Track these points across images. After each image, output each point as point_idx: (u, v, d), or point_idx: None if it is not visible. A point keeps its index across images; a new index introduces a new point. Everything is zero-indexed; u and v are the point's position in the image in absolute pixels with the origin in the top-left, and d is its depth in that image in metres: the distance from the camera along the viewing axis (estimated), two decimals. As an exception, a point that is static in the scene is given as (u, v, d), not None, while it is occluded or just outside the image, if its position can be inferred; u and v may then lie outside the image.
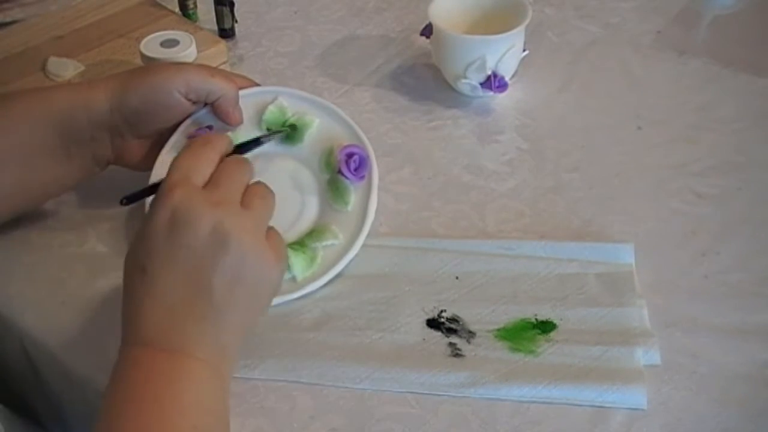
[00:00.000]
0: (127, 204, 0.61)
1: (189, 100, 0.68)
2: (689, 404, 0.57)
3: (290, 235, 0.67)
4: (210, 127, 0.70)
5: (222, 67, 0.85)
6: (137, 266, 0.53)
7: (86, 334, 0.64)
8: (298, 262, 0.65)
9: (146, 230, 0.53)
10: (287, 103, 0.72)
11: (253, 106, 0.72)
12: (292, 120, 0.72)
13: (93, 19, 0.93)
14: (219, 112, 0.69)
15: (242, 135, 0.70)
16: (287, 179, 0.71)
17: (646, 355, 0.60)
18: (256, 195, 0.56)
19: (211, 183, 0.55)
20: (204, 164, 0.55)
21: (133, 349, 0.52)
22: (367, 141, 0.70)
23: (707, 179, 0.74)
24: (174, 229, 0.52)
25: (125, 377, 0.51)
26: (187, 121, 0.70)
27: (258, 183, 0.57)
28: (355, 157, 0.69)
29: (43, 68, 0.86)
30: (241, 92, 0.70)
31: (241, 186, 0.56)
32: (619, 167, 0.76)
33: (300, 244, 0.66)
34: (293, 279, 0.65)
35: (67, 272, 0.69)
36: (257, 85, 0.73)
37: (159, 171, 0.70)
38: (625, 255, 0.66)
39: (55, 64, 0.86)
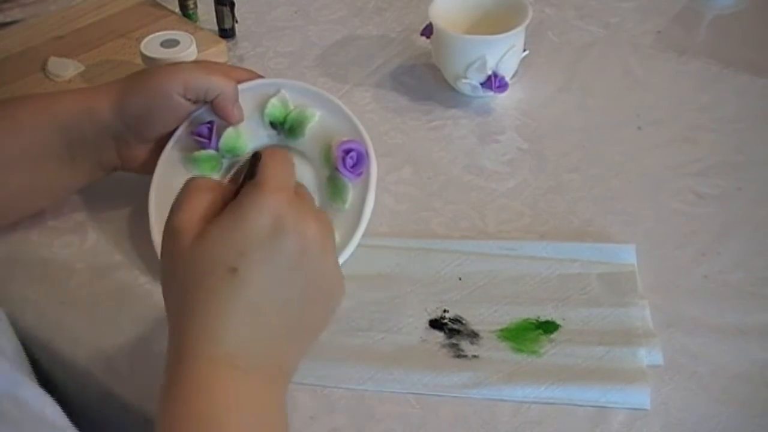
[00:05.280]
0: None
1: (188, 99, 0.68)
2: (689, 404, 0.57)
3: None
4: (211, 123, 0.70)
5: (222, 67, 0.85)
6: (224, 265, 0.48)
7: (87, 334, 0.64)
8: None
9: (240, 229, 0.48)
10: (289, 96, 0.71)
11: (255, 99, 0.71)
12: (293, 113, 0.71)
13: (93, 19, 0.94)
14: (218, 110, 0.69)
15: (245, 128, 0.70)
16: None
17: (648, 356, 0.60)
18: (325, 216, 0.54)
19: (299, 195, 0.52)
20: (292, 176, 0.53)
21: (205, 365, 0.48)
22: (367, 136, 0.69)
23: (707, 179, 0.74)
24: (277, 235, 0.49)
25: (195, 399, 0.47)
26: (190, 118, 0.70)
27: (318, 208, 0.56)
28: (353, 153, 0.67)
29: (43, 68, 0.86)
30: (242, 85, 0.70)
31: (315, 204, 0.55)
32: (619, 167, 0.76)
33: None
34: None
35: (67, 272, 0.69)
36: (260, 77, 0.73)
37: (163, 168, 0.70)
38: (627, 255, 0.66)
39: (55, 64, 0.86)
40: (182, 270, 0.49)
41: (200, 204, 0.50)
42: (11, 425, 0.44)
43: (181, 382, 0.48)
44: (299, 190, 0.52)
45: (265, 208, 0.49)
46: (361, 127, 0.69)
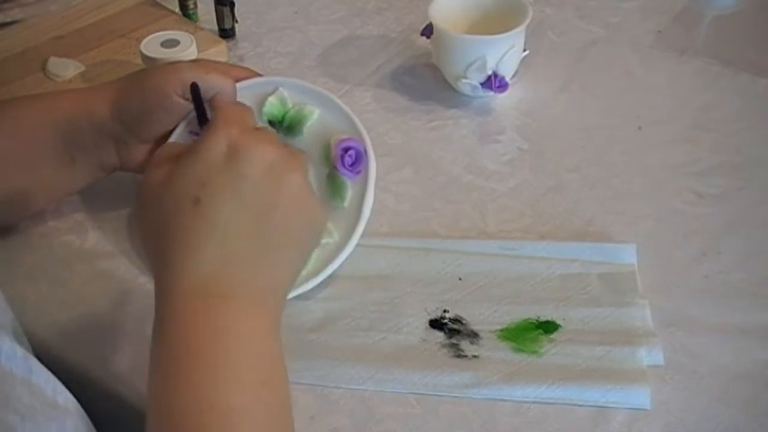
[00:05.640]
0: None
1: (187, 99, 0.68)
2: (690, 404, 0.57)
3: None
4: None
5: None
6: (187, 197, 0.50)
7: (87, 333, 0.64)
8: None
9: (198, 162, 0.51)
10: (287, 94, 0.71)
11: (254, 98, 0.71)
12: (292, 112, 0.71)
13: (93, 19, 0.94)
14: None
15: None
16: None
17: (649, 356, 0.60)
18: (294, 148, 0.56)
19: (259, 128, 0.55)
20: (249, 114, 0.56)
21: (186, 299, 0.49)
22: (366, 134, 0.68)
23: (707, 179, 0.74)
24: (233, 160, 0.50)
25: (181, 335, 0.48)
26: (188, 117, 0.70)
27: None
28: (351, 151, 0.67)
29: (44, 68, 0.86)
30: (241, 84, 0.70)
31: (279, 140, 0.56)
32: (620, 167, 0.76)
33: None
34: None
35: (67, 272, 0.69)
36: (259, 75, 0.72)
37: None
38: (627, 255, 0.66)
39: (55, 64, 0.86)
40: (152, 213, 0.51)
41: (168, 160, 0.53)
42: (28, 410, 0.44)
43: (164, 322, 0.49)
44: (261, 128, 0.55)
45: (219, 137, 0.51)
46: (360, 126, 0.69)
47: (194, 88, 0.60)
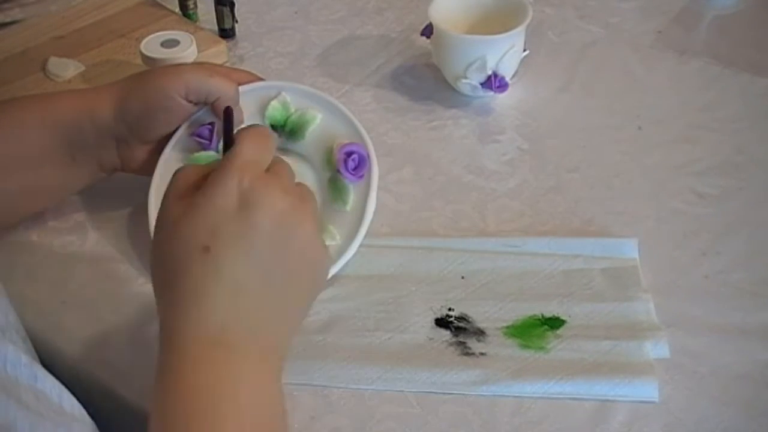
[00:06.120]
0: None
1: (189, 101, 0.68)
2: (690, 404, 0.57)
3: None
4: (212, 124, 0.70)
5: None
6: (197, 246, 0.49)
7: (87, 334, 0.64)
8: None
9: (208, 209, 0.49)
10: (290, 99, 0.71)
11: (256, 102, 0.71)
12: (294, 116, 0.71)
13: (93, 19, 0.94)
14: (219, 113, 0.69)
15: None
16: None
17: (654, 349, 0.60)
18: (305, 191, 0.54)
19: (272, 171, 0.52)
20: (267, 153, 0.53)
21: (191, 347, 0.48)
22: (368, 139, 0.69)
23: (707, 179, 0.74)
24: (244, 210, 0.49)
25: (187, 384, 0.47)
26: (191, 119, 0.70)
27: (300, 183, 0.55)
28: (354, 156, 0.68)
29: (44, 68, 0.86)
30: (243, 88, 0.70)
31: (294, 181, 0.54)
32: (620, 167, 0.76)
33: None
34: None
35: (67, 272, 0.69)
36: (261, 79, 0.72)
37: (163, 169, 0.70)
38: (629, 249, 0.67)
39: (55, 64, 0.86)
40: (163, 256, 0.50)
41: (185, 192, 0.51)
42: (35, 417, 0.44)
43: (170, 368, 0.48)
44: (276, 166, 0.53)
45: (230, 185, 0.49)
46: (363, 130, 0.70)
47: (227, 114, 0.57)
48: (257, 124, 0.58)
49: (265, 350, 0.50)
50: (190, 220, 0.49)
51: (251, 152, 0.52)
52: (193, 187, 0.51)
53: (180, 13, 0.94)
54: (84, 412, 0.49)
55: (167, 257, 0.50)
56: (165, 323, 0.50)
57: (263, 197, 0.49)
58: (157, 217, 0.52)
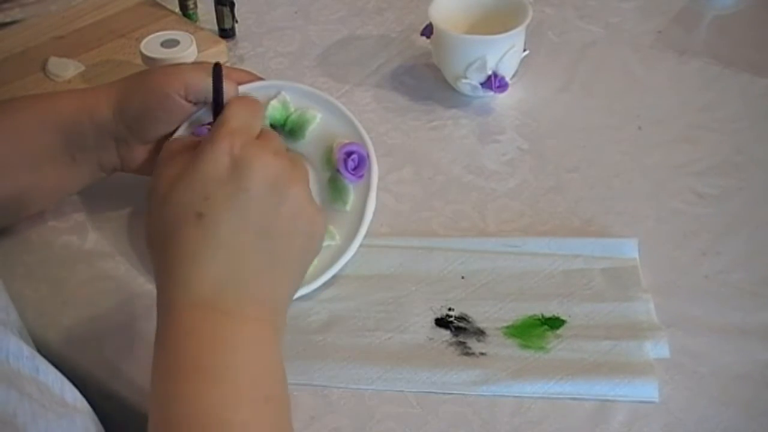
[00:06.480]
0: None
1: (189, 101, 0.68)
2: (690, 404, 0.57)
3: None
4: (211, 124, 0.69)
5: (222, 67, 0.85)
6: (190, 212, 0.50)
7: (87, 333, 0.64)
8: None
9: (200, 175, 0.50)
10: (290, 98, 0.71)
11: None
12: (294, 116, 0.71)
13: (93, 19, 0.94)
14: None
15: None
16: None
17: (654, 349, 0.60)
18: (296, 156, 0.55)
19: (262, 137, 0.54)
20: (257, 119, 0.55)
21: (189, 312, 0.49)
22: (368, 138, 0.69)
23: (707, 179, 0.74)
24: (236, 175, 0.50)
25: (184, 347, 0.48)
26: (191, 119, 0.70)
27: (290, 150, 0.57)
28: (354, 156, 0.68)
29: (44, 68, 0.86)
30: (243, 87, 0.70)
31: (283, 147, 0.55)
32: (619, 167, 0.76)
33: None
34: None
35: (68, 272, 0.69)
36: (261, 79, 0.73)
37: None
38: (629, 249, 0.67)
39: (55, 64, 0.86)
40: (157, 224, 0.51)
41: (178, 160, 0.52)
42: (38, 408, 0.44)
43: (167, 333, 0.49)
44: (265, 133, 0.54)
45: (221, 150, 0.51)
46: (363, 130, 0.69)
47: (216, 71, 0.58)
48: (247, 95, 0.59)
49: (262, 314, 0.51)
50: (182, 187, 0.51)
51: (241, 118, 0.53)
52: (185, 154, 0.52)
53: (180, 13, 0.94)
54: (86, 404, 0.49)
55: (161, 224, 0.51)
56: (161, 290, 0.51)
57: (254, 161, 0.51)
58: (150, 186, 0.53)
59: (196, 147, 0.53)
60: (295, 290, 0.55)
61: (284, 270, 0.53)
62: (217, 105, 0.58)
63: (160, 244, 0.51)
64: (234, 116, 0.54)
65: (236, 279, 0.50)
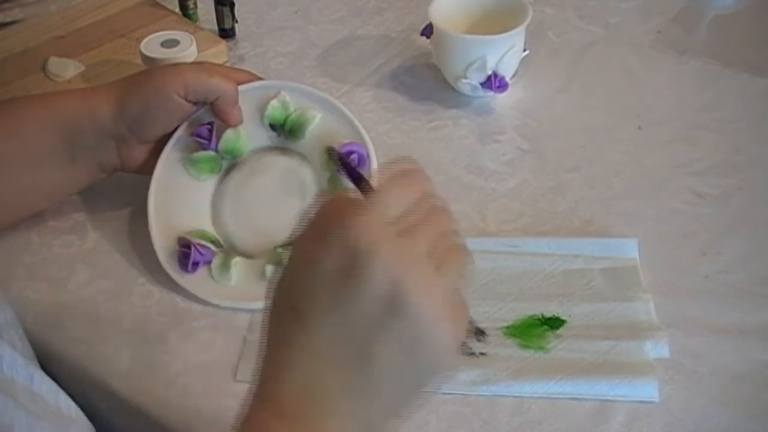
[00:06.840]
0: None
1: (189, 101, 0.68)
2: (690, 404, 0.57)
3: (286, 236, 0.66)
4: (211, 124, 0.70)
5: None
6: (287, 302, 0.44)
7: (87, 334, 0.64)
8: None
9: (309, 264, 0.43)
10: (290, 98, 0.71)
11: (255, 101, 0.71)
12: (294, 115, 0.71)
13: (93, 19, 0.94)
14: (218, 112, 0.69)
15: (245, 130, 0.70)
16: (288, 177, 0.71)
17: (654, 349, 0.60)
18: (453, 252, 0.44)
19: (404, 228, 0.43)
20: (404, 201, 0.44)
21: (272, 421, 0.43)
22: (368, 138, 0.69)
23: (707, 179, 0.74)
24: (347, 278, 0.41)
25: None
26: (190, 119, 0.70)
27: (455, 235, 0.46)
28: (354, 155, 0.68)
29: (44, 68, 0.86)
30: (243, 87, 0.70)
31: (438, 237, 0.44)
32: (619, 167, 0.76)
33: None
34: None
35: (67, 272, 0.69)
36: (260, 79, 0.73)
37: (162, 169, 0.70)
38: (629, 250, 0.67)
39: (55, 64, 0.86)
40: (278, 296, 0.45)
41: (319, 231, 0.44)
42: (32, 417, 0.44)
43: (246, 423, 0.44)
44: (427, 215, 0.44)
45: (341, 241, 0.41)
46: (362, 130, 0.70)
47: (344, 161, 0.52)
48: (405, 158, 0.48)
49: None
50: (288, 266, 0.44)
51: (393, 209, 0.43)
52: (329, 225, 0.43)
53: (180, 13, 0.94)
54: (81, 413, 0.49)
55: (271, 304, 0.45)
56: (263, 373, 0.45)
57: (371, 267, 0.41)
58: (291, 250, 0.45)
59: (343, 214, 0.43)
60: (398, 416, 0.45)
61: (384, 395, 0.44)
62: (358, 180, 0.49)
63: (270, 322, 0.45)
64: (384, 206, 0.43)
65: (327, 395, 0.43)
